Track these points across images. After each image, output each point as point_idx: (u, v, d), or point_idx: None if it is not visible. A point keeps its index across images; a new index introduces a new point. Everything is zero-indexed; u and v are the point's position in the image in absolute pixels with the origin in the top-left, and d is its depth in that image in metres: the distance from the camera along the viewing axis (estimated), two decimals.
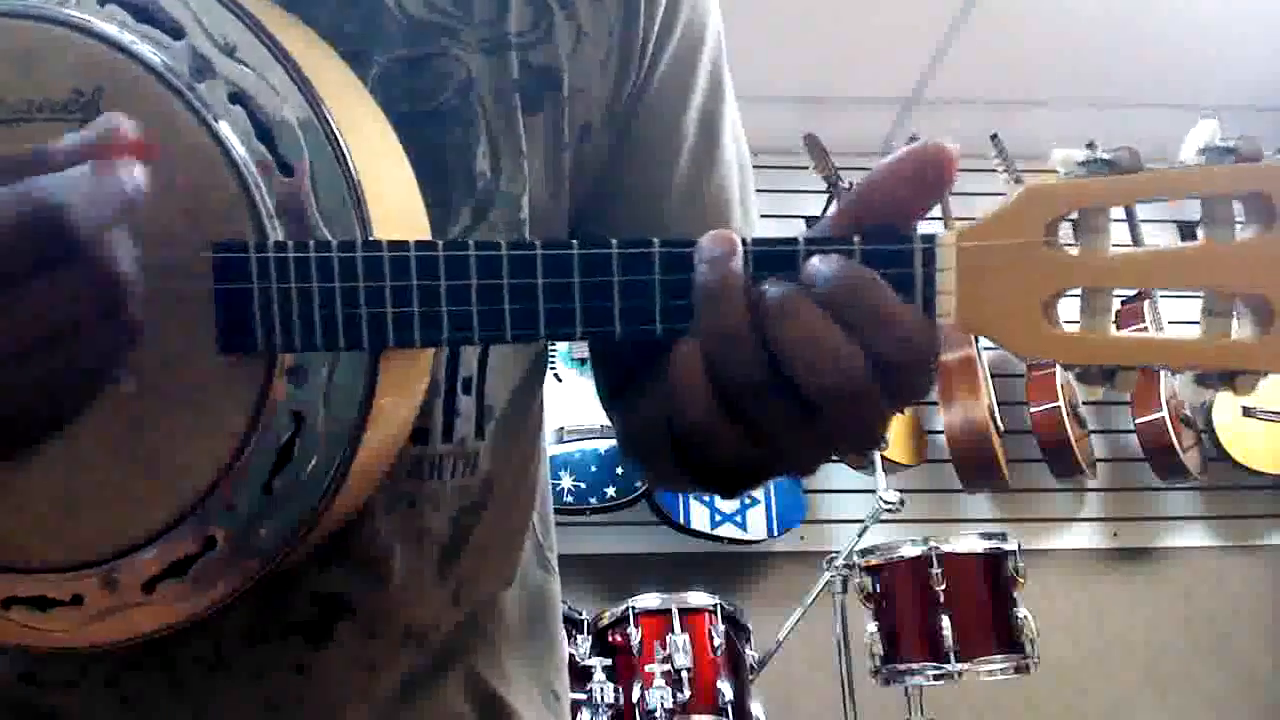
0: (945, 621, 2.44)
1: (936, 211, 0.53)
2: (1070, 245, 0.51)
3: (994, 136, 3.08)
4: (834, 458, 0.55)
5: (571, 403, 2.97)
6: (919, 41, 3.11)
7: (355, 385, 0.53)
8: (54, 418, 0.50)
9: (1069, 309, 0.52)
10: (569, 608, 2.50)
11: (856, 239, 0.51)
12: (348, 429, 0.53)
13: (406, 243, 0.52)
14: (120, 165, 0.46)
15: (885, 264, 0.51)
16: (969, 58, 3.13)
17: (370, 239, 0.52)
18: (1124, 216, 2.99)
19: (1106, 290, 0.51)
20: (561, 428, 2.96)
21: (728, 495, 0.68)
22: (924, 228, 0.53)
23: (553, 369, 3.01)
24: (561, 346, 3.04)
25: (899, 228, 0.52)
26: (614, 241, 0.52)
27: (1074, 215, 0.51)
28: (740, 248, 0.51)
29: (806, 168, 3.16)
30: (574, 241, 0.52)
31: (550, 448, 2.96)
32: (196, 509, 0.53)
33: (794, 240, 0.52)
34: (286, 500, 0.54)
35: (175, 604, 0.55)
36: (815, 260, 0.51)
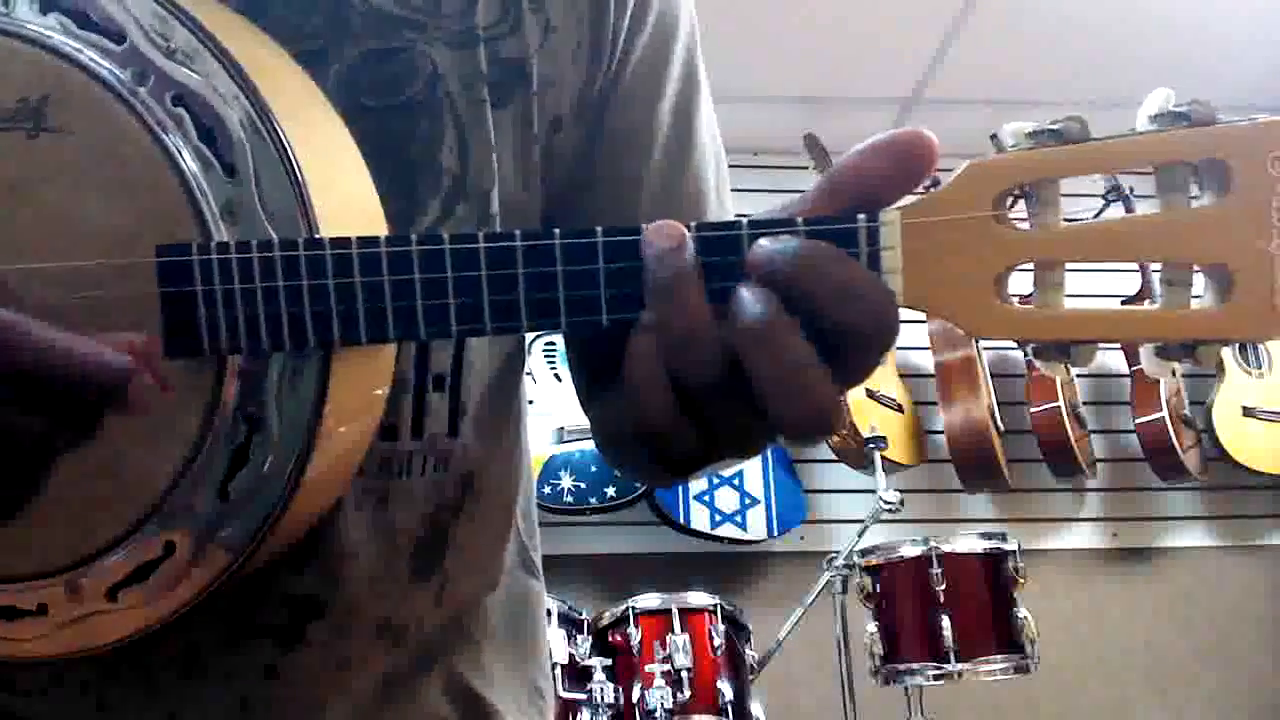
0: (945, 621, 2.44)
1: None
2: (1021, 219, 0.49)
3: (994, 136, 3.08)
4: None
5: (571, 403, 2.96)
6: (919, 41, 3.11)
7: (308, 385, 0.53)
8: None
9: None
10: (569, 608, 2.50)
11: (800, 220, 0.50)
12: (302, 429, 0.53)
13: (349, 239, 0.52)
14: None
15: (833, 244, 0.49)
16: (969, 58, 3.13)
17: (313, 237, 0.52)
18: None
19: (1059, 264, 0.49)
20: (561, 428, 2.96)
21: (682, 479, 0.68)
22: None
23: (552, 369, 3.01)
24: (561, 345, 3.04)
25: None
26: (556, 231, 0.52)
27: (1023, 188, 0.49)
28: (688, 238, 0.50)
29: (806, 168, 3.16)
30: (517, 232, 0.52)
31: (550, 448, 2.98)
32: (154, 515, 0.53)
33: (738, 224, 0.51)
34: (245, 503, 0.53)
35: (140, 609, 0.54)
36: (765, 242, 0.49)
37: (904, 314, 0.51)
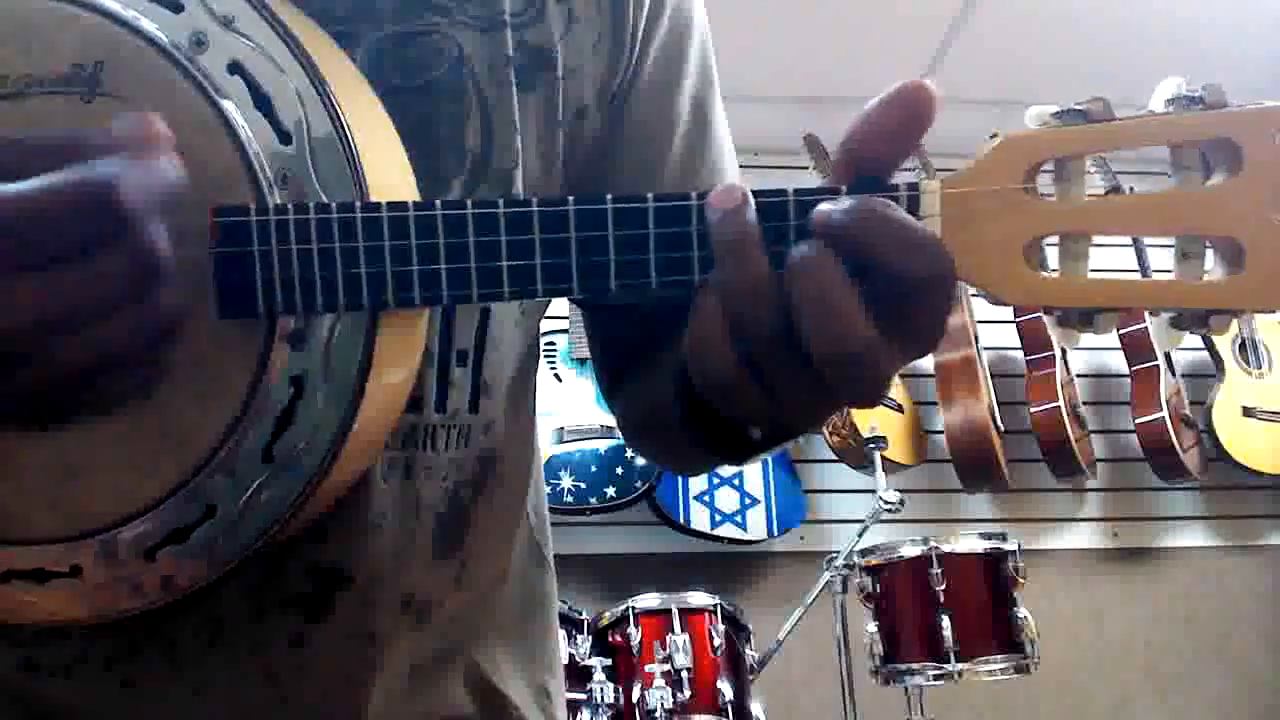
0: (945, 621, 2.44)
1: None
2: (1048, 193, 0.53)
3: (994, 136, 3.08)
4: (839, 410, 0.57)
5: (571, 403, 2.97)
6: (919, 41, 3.11)
7: (354, 350, 0.54)
8: (82, 399, 0.50)
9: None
10: (569, 608, 2.50)
11: (843, 189, 0.53)
12: (347, 394, 0.54)
13: (405, 203, 0.53)
14: (162, 154, 0.47)
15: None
16: (969, 58, 3.13)
17: (369, 201, 0.53)
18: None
19: (1084, 235, 0.52)
20: (561, 428, 2.96)
21: (738, 460, 0.68)
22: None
23: (553, 369, 3.01)
24: (561, 345, 3.04)
25: (883, 178, 0.53)
26: (609, 196, 0.53)
27: (1050, 163, 0.52)
28: (751, 199, 0.52)
29: (806, 168, 3.16)
30: (570, 198, 0.53)
31: (550, 448, 2.98)
32: (197, 476, 0.53)
33: (785, 191, 0.53)
34: (287, 466, 0.54)
35: (178, 571, 0.55)
36: (826, 205, 0.51)
37: None
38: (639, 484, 2.97)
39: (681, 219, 0.53)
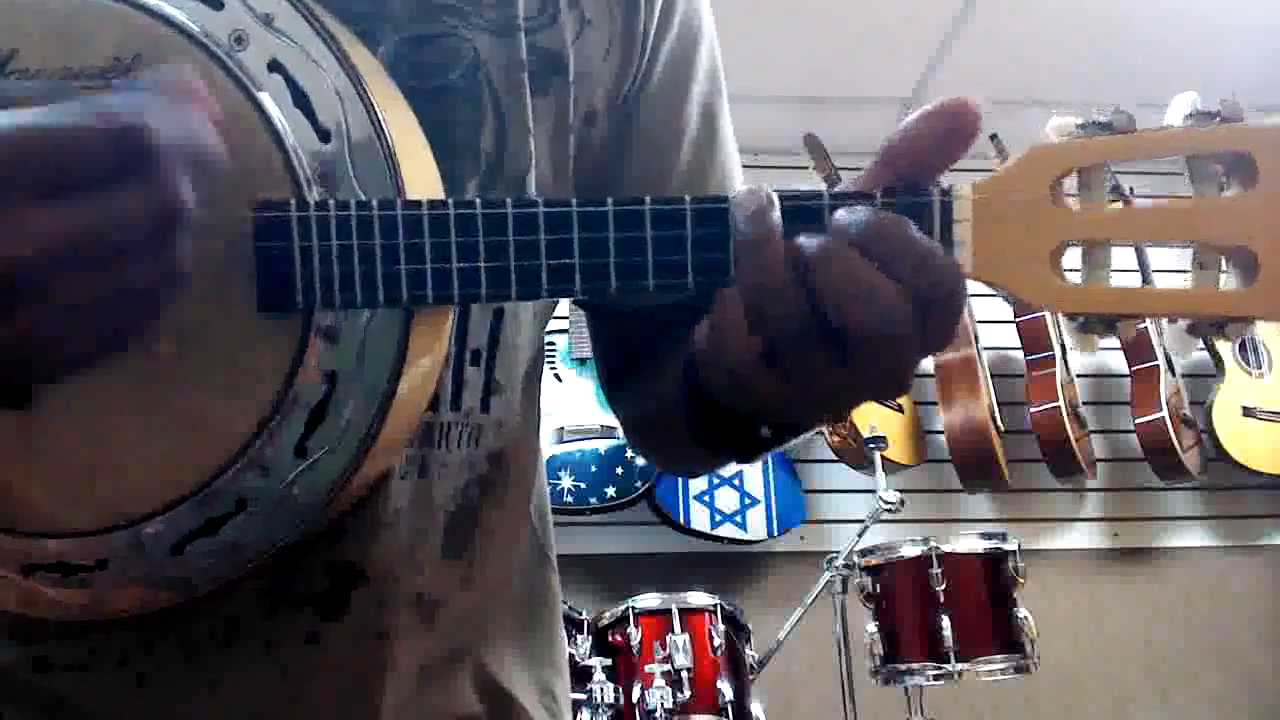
0: (945, 621, 2.44)
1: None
2: (1072, 199, 0.54)
3: (994, 136, 3.08)
4: (859, 403, 0.58)
5: (571, 403, 2.97)
6: (919, 41, 3.12)
7: (388, 346, 0.54)
8: (84, 352, 0.47)
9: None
10: (569, 608, 2.50)
11: (877, 193, 0.53)
12: (380, 390, 0.54)
13: (445, 201, 0.53)
14: (197, 110, 0.47)
15: (905, 216, 0.53)
16: (969, 58, 3.14)
17: (409, 199, 0.53)
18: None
19: (1105, 243, 0.53)
20: (561, 428, 2.96)
21: (746, 458, 0.69)
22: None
23: (553, 369, 3.01)
24: (561, 345, 3.04)
25: (922, 185, 0.54)
26: (646, 199, 0.54)
27: (1075, 173, 0.53)
28: (777, 201, 0.53)
29: (806, 168, 3.16)
30: (609, 199, 0.54)
31: (550, 448, 2.98)
32: (229, 469, 0.53)
33: (819, 194, 0.54)
34: (319, 461, 0.54)
35: (204, 566, 0.55)
36: (842, 212, 0.53)
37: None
38: (639, 484, 2.97)
39: (718, 218, 0.54)
